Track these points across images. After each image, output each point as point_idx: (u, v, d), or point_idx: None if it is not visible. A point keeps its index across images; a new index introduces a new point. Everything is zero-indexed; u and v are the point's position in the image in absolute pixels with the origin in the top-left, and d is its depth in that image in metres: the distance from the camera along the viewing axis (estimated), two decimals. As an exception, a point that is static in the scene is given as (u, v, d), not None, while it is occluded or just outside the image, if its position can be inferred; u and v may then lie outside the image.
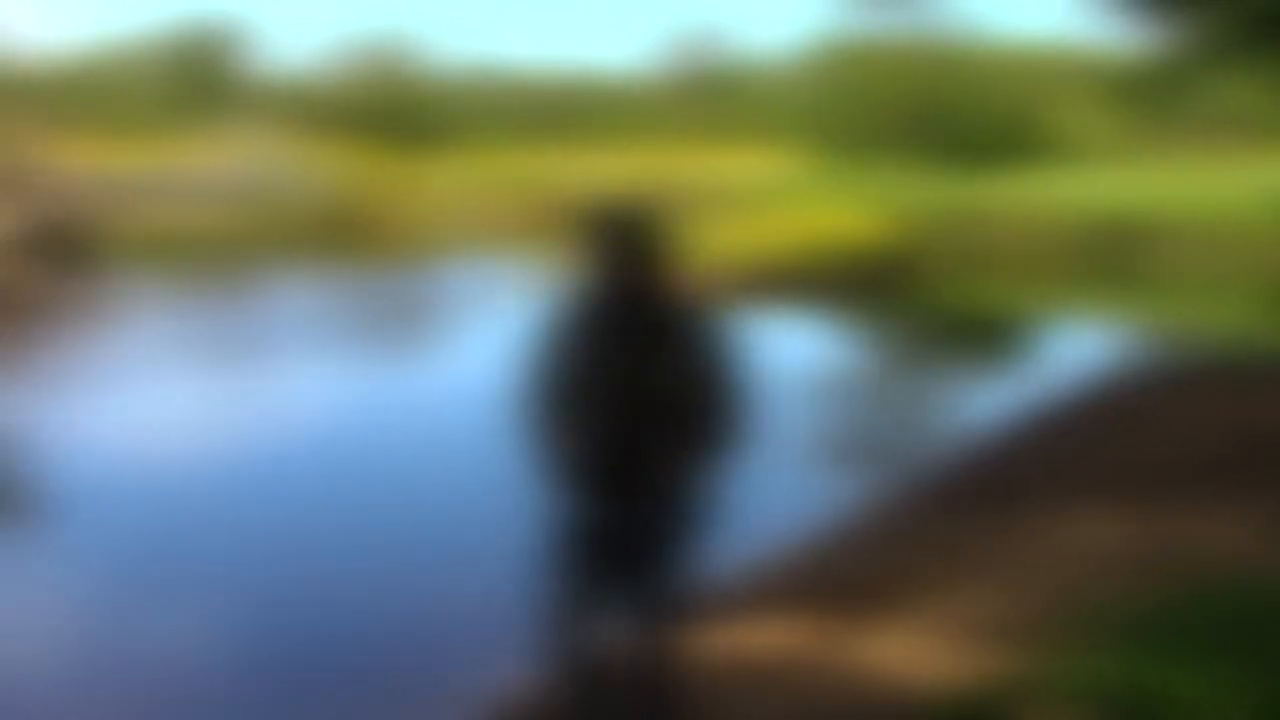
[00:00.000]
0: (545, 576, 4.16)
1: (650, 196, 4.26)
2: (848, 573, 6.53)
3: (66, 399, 11.99)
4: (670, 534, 4.03)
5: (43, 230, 20.29)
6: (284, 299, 20.82)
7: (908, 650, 5.20)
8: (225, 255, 26.21)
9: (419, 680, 5.42)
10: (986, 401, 12.34)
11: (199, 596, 6.57)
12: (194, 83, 55.18)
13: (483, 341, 15.62)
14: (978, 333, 18.87)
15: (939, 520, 7.45)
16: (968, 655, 5.05)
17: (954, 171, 34.59)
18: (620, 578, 4.05)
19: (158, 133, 39.61)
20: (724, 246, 22.55)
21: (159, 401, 11.84)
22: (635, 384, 3.91)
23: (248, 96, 35.35)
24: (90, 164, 24.63)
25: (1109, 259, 26.05)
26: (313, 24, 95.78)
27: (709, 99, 70.00)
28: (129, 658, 5.81)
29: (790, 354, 15.44)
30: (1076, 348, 16.47)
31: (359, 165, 40.19)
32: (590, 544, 4.03)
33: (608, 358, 3.92)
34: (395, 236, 33.31)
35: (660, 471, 3.96)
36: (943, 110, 38.82)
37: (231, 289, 22.22)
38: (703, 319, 4.02)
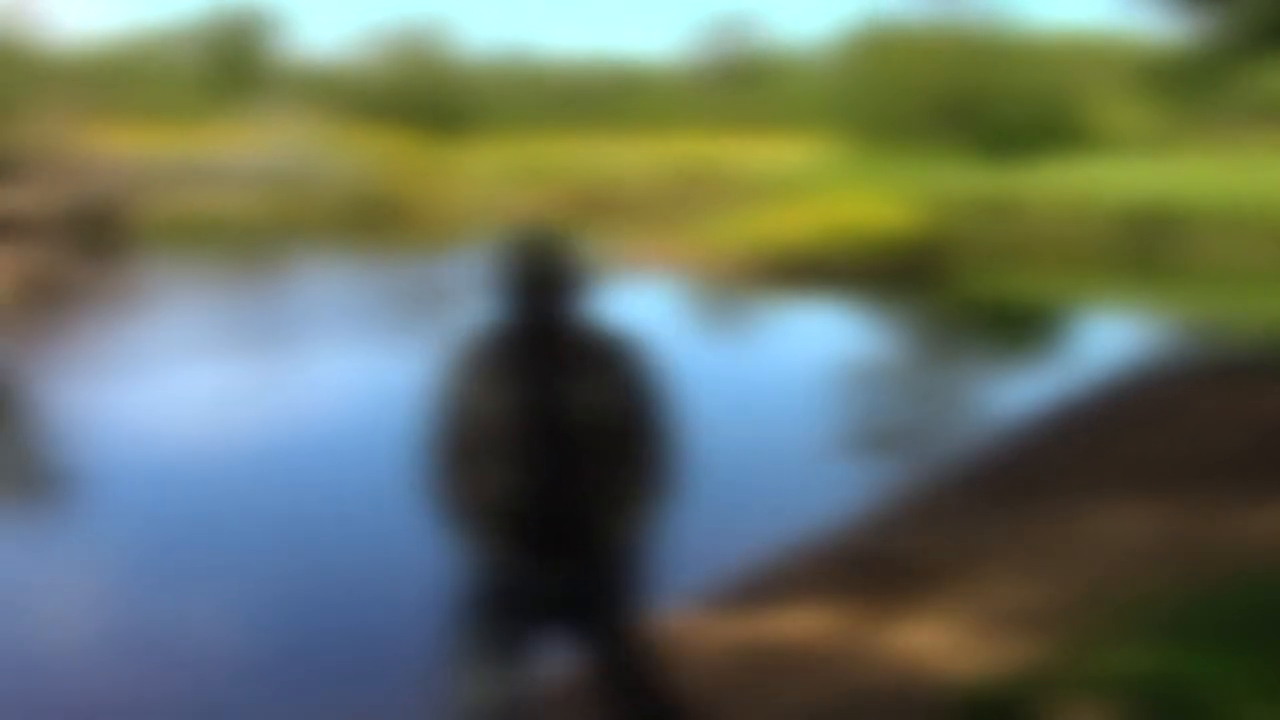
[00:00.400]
0: (458, 636, 3.66)
1: (561, 223, 3.82)
2: (878, 561, 6.54)
3: (101, 383, 12.11)
4: (605, 580, 3.59)
5: (80, 215, 20.48)
6: (315, 284, 20.95)
7: (937, 638, 5.21)
8: (258, 240, 26.38)
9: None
10: (1016, 392, 12.29)
11: (228, 578, 6.65)
12: (228, 69, 55.48)
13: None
14: (1009, 323, 18.79)
15: (969, 510, 7.45)
16: (996, 644, 5.06)
17: (988, 161, 34.39)
18: (554, 630, 3.62)
19: (193, 119, 39.84)
20: (754, 235, 22.52)
21: (191, 386, 11.94)
22: (553, 423, 3.48)
23: (281, 83, 35.57)
24: (126, 149, 24.83)
25: (1143, 250, 25.86)
26: (345, 11, 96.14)
27: (741, 87, 69.84)
28: (160, 637, 5.89)
29: (820, 343, 15.44)
30: (1108, 339, 16.38)
31: (391, 151, 40.32)
32: (515, 600, 3.58)
33: (521, 396, 3.49)
34: (426, 223, 33.41)
35: (589, 516, 3.53)
36: (977, 99, 38.58)
37: (264, 274, 22.35)
38: (622, 348, 3.62)
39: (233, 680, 5.44)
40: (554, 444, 3.48)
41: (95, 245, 20.82)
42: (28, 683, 5.39)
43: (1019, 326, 18.53)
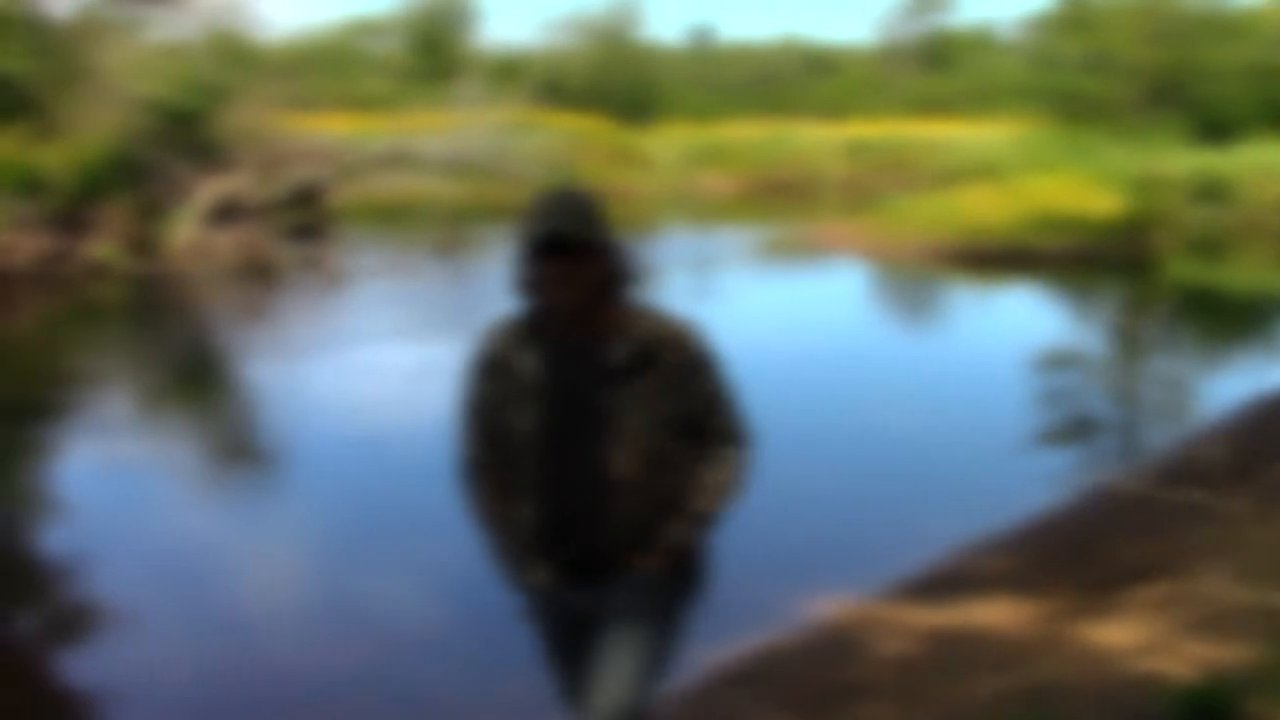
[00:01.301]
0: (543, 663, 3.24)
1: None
2: (1079, 555, 6.40)
3: (306, 359, 12.69)
4: (649, 602, 2.99)
5: (289, 199, 21.43)
6: (510, 266, 21.40)
7: (1139, 635, 5.08)
8: (455, 223, 27.13)
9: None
10: (1228, 383, 11.78)
11: (416, 545, 6.91)
12: (428, 58, 57.17)
13: (711, 312, 15.76)
14: (1219, 312, 17.97)
15: (1175, 504, 7.20)
16: (1203, 644, 4.90)
17: (1199, 140, 32.84)
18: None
19: (394, 106, 41.21)
20: (950, 218, 22.06)
21: (388, 363, 12.37)
22: (590, 424, 2.88)
23: (478, 71, 36.45)
24: (332, 137, 25.87)
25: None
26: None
27: (934, 68, 68.38)
28: (357, 605, 6.17)
29: (1018, 330, 15.05)
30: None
31: (584, 136, 40.86)
32: (565, 628, 3.11)
33: (552, 395, 2.91)
34: (617, 207, 33.72)
35: (635, 530, 2.93)
36: (1187, 75, 36.83)
37: (460, 255, 22.98)
38: (677, 333, 2.96)
39: (422, 649, 5.65)
40: (592, 448, 2.89)
41: (303, 228, 21.73)
42: (235, 646, 5.68)
43: (1230, 315, 17.71)
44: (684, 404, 2.91)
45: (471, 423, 3.08)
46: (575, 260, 2.85)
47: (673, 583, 3.01)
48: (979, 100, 56.99)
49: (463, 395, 3.10)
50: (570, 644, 3.10)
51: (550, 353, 2.93)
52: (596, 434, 2.88)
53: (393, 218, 28.95)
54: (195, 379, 12.64)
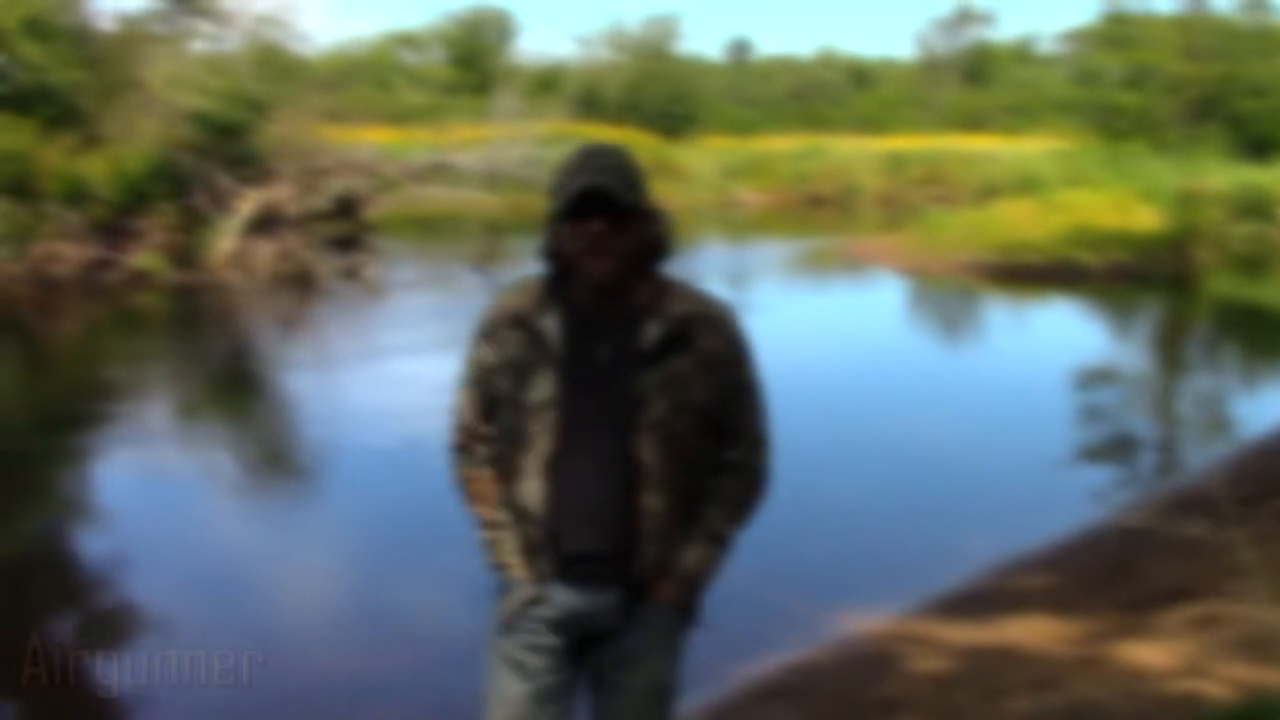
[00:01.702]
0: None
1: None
2: (1118, 573, 6.34)
3: (344, 369, 12.77)
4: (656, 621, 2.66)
5: (330, 211, 21.57)
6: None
7: (1177, 655, 5.03)
8: (492, 235, 27.25)
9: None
10: (1271, 401, 11.65)
11: (446, 553, 6.92)
12: (466, 71, 57.53)
13: (748, 324, 15.71)
14: (1260, 328, 17.77)
15: (1214, 525, 7.12)
16: (1240, 666, 4.85)
17: (1241, 156, 32.53)
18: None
19: (433, 120, 41.46)
20: (988, 233, 21.96)
21: (425, 374, 12.44)
22: (613, 407, 2.57)
23: (516, 84, 36.67)
24: (371, 149, 26.04)
25: None
26: (578, 13, 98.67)
27: (973, 81, 68.10)
28: (388, 606, 6.21)
29: (1056, 346, 14.95)
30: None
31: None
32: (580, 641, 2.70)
33: (587, 371, 2.59)
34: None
35: (644, 533, 2.59)
36: (1229, 90, 36.54)
37: (496, 267, 23.07)
38: (712, 315, 2.68)
39: (452, 657, 5.64)
40: (610, 431, 2.57)
41: (342, 239, 21.86)
42: (266, 651, 5.69)
43: (1272, 332, 17.51)
44: (714, 393, 2.61)
45: (474, 387, 2.74)
46: (612, 223, 2.55)
47: (685, 608, 2.70)
48: (1018, 114, 56.78)
49: (468, 357, 2.76)
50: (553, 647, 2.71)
51: (575, 323, 2.61)
52: (617, 416, 2.56)
53: (431, 229, 29.10)
54: (235, 388, 12.74)
